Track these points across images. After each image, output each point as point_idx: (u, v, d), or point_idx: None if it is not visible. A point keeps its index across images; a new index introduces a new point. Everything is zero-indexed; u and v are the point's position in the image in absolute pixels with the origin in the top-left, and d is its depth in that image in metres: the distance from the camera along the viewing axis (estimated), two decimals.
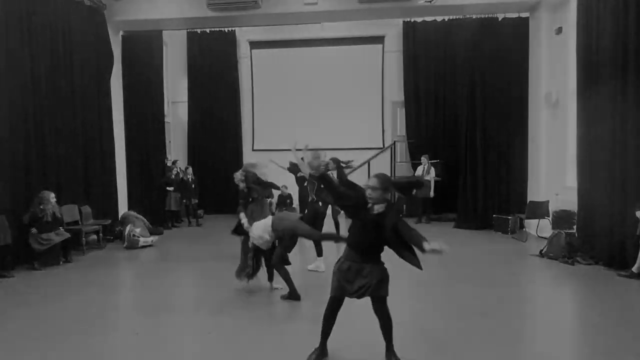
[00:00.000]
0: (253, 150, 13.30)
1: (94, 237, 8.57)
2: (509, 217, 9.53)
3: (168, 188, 11.03)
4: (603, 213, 6.79)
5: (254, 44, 13.37)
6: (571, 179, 8.26)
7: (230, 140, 13.18)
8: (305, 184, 7.44)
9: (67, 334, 4.28)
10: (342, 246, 3.61)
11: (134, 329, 4.50)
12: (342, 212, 7.36)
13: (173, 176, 11.15)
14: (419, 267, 3.21)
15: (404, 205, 12.38)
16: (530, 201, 9.25)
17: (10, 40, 6.97)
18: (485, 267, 6.88)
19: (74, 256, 7.54)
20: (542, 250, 7.40)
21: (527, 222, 9.52)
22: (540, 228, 8.92)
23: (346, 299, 3.46)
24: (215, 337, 4.21)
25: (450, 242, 9.23)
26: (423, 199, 11.05)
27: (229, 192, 12.26)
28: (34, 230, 6.89)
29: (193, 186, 11.41)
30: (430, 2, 9.07)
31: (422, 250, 3.00)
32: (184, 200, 11.18)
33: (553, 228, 7.89)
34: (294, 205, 11.61)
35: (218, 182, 12.76)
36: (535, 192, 9.53)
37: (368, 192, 3.26)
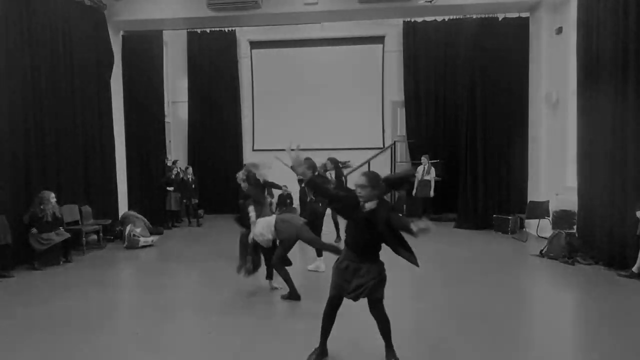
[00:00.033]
0: (253, 150, 13.31)
1: (94, 237, 8.57)
2: (509, 217, 9.53)
3: (168, 188, 11.03)
4: (603, 213, 6.79)
5: (254, 44, 13.37)
6: (571, 179, 8.26)
7: (230, 140, 13.19)
8: (304, 184, 7.43)
9: (68, 334, 4.28)
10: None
11: (134, 328, 4.51)
12: None
13: (173, 176, 11.16)
14: (416, 264, 3.23)
15: (404, 205, 12.38)
16: (530, 201, 9.25)
17: (11, 40, 6.97)
18: (485, 267, 6.88)
19: (74, 256, 7.54)
20: (542, 250, 7.40)
21: (527, 222, 9.52)
22: (540, 228, 8.92)
23: (345, 299, 3.46)
24: (215, 337, 4.21)
25: (451, 242, 9.25)
26: (423, 199, 11.05)
27: (229, 192, 12.30)
28: (34, 230, 6.90)
29: (193, 186, 11.41)
30: (430, 2, 9.06)
31: (413, 234, 3.01)
32: (184, 200, 11.19)
33: (553, 228, 7.89)
34: (294, 205, 11.60)
35: (218, 182, 12.78)
36: (536, 192, 9.53)
37: (357, 191, 3.28)
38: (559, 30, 8.93)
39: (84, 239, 7.93)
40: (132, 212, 9.44)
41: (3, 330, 4.41)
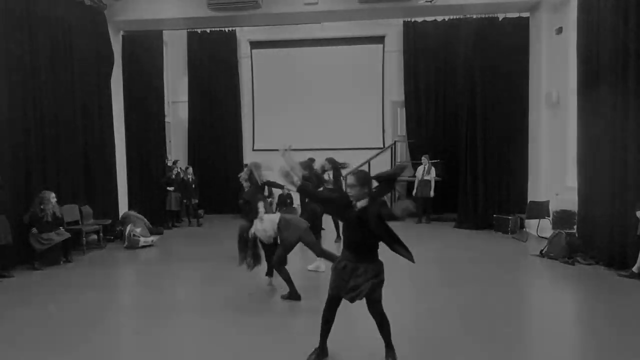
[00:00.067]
0: (253, 150, 13.31)
1: (95, 237, 8.56)
2: (510, 217, 9.52)
3: (168, 188, 11.03)
4: (603, 213, 6.79)
5: (255, 44, 13.37)
6: (571, 179, 8.26)
7: (230, 140, 13.19)
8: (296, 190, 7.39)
9: (68, 334, 4.29)
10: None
11: (134, 328, 4.51)
12: None
13: (173, 176, 11.16)
14: (412, 260, 3.28)
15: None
16: (530, 201, 9.25)
17: (11, 40, 6.97)
18: (485, 267, 6.88)
19: (75, 256, 7.54)
20: (542, 250, 7.40)
21: (527, 222, 9.52)
22: (540, 228, 8.91)
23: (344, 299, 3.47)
24: (215, 337, 4.21)
25: (451, 242, 9.25)
26: (423, 198, 11.05)
27: (229, 192, 12.31)
28: (34, 230, 6.90)
29: (193, 186, 11.41)
30: (430, 2, 9.06)
31: (398, 218, 3.11)
32: (184, 200, 11.19)
33: (553, 228, 7.89)
34: (294, 205, 11.61)
35: (218, 182, 12.78)
36: (536, 192, 9.52)
37: (348, 191, 3.36)
38: (559, 30, 8.92)
39: (84, 239, 7.92)
40: (132, 212, 9.44)
41: (3, 330, 4.41)
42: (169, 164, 11.67)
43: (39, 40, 7.55)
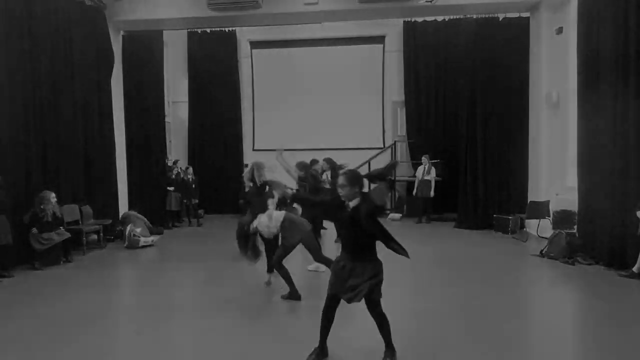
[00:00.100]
0: (254, 150, 13.31)
1: (95, 236, 8.57)
2: (510, 217, 9.52)
3: (168, 188, 11.04)
4: (603, 213, 6.79)
5: (255, 44, 13.37)
6: (572, 179, 8.25)
7: (230, 140, 13.20)
8: (296, 188, 7.40)
9: (68, 334, 4.29)
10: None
11: (134, 328, 4.51)
12: None
13: (174, 176, 11.17)
14: (407, 255, 3.30)
15: (404, 205, 12.40)
16: (530, 201, 9.25)
17: (11, 40, 6.97)
18: (485, 267, 6.88)
19: (75, 256, 7.54)
20: (542, 250, 7.40)
21: (527, 222, 9.52)
22: (540, 228, 8.91)
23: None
24: (215, 337, 4.21)
25: (451, 242, 9.24)
26: (424, 199, 11.06)
27: (229, 192, 12.32)
28: (34, 230, 6.90)
29: (194, 186, 11.41)
30: (430, 2, 9.06)
31: (380, 205, 3.22)
32: (184, 200, 11.19)
33: (553, 228, 7.88)
34: (294, 205, 11.59)
35: (218, 182, 12.78)
36: (536, 192, 9.52)
37: (339, 191, 3.40)
38: (559, 30, 8.92)
39: (84, 238, 7.92)
40: (132, 212, 9.44)
41: (3, 330, 4.42)
42: (169, 164, 11.67)
43: (39, 40, 7.55)
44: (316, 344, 3.58)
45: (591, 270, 6.55)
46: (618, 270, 6.28)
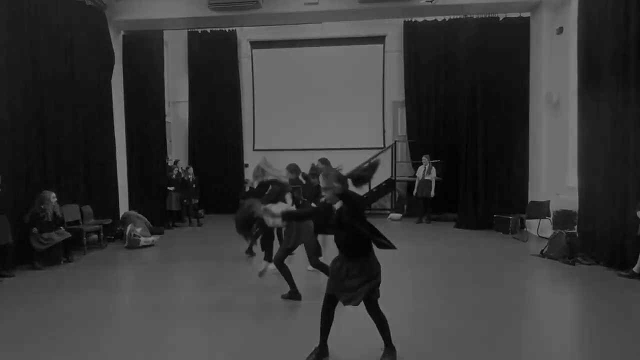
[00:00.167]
0: (254, 150, 13.30)
1: (95, 236, 8.57)
2: (510, 217, 9.52)
3: (169, 188, 11.05)
4: (604, 213, 6.79)
5: (255, 44, 13.37)
6: (572, 179, 8.25)
7: (231, 140, 13.20)
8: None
9: (68, 334, 4.29)
10: None
11: (134, 328, 4.51)
12: None
13: (174, 176, 11.17)
14: (394, 248, 3.33)
15: (405, 205, 12.39)
16: (531, 201, 9.25)
17: (11, 40, 6.97)
18: (485, 267, 6.88)
19: (75, 256, 7.54)
20: (542, 250, 7.39)
21: (527, 222, 9.52)
22: (541, 228, 8.91)
23: None
24: (215, 337, 4.21)
25: (451, 242, 9.21)
26: (424, 199, 11.06)
27: (229, 192, 12.31)
28: (34, 229, 6.90)
29: (194, 186, 11.41)
30: (431, 1, 9.05)
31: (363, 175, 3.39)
32: (185, 200, 11.20)
33: (554, 228, 7.88)
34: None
35: (219, 182, 12.78)
36: (536, 192, 9.52)
37: (322, 194, 3.45)
38: (560, 30, 8.92)
39: (84, 238, 7.93)
40: (132, 212, 9.44)
41: (4, 330, 4.42)
42: (170, 164, 11.68)
43: (40, 40, 7.55)
44: (316, 344, 3.58)
45: (591, 270, 6.55)
46: (618, 270, 6.27)
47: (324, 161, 8.18)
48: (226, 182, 12.77)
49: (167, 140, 12.38)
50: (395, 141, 12.66)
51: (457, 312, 4.79)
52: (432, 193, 10.94)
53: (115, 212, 9.57)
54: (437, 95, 12.24)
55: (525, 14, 10.03)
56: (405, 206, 12.39)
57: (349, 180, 3.38)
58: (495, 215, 9.93)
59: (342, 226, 3.34)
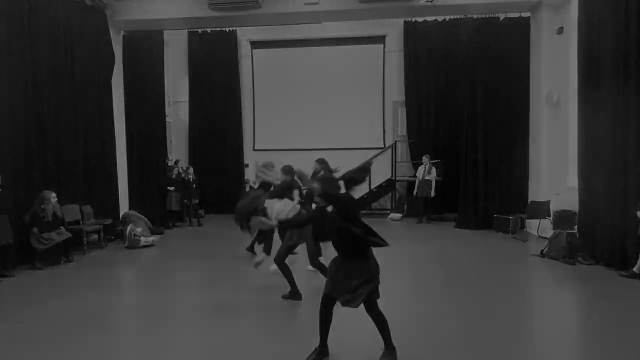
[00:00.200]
0: (254, 150, 13.31)
1: (95, 236, 8.57)
2: (510, 217, 9.52)
3: (169, 188, 11.05)
4: (604, 213, 6.78)
5: (255, 44, 13.37)
6: (572, 179, 8.26)
7: (231, 140, 13.20)
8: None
9: (68, 333, 4.29)
10: None
11: (135, 328, 4.51)
12: None
13: (174, 176, 11.17)
14: (386, 244, 3.35)
15: (405, 205, 12.39)
16: (531, 201, 9.25)
17: (12, 40, 6.97)
18: (485, 267, 6.88)
19: (75, 256, 7.54)
20: (543, 250, 7.39)
21: (528, 222, 9.52)
22: (541, 228, 8.91)
23: None
24: (215, 337, 4.21)
25: (451, 242, 9.20)
26: (424, 199, 11.06)
27: (229, 192, 12.31)
28: (35, 229, 6.90)
29: (194, 186, 11.42)
30: (431, 1, 9.05)
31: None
32: (185, 200, 11.20)
33: (554, 228, 7.88)
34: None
35: (219, 182, 12.78)
36: (536, 192, 9.52)
37: (315, 198, 3.48)
38: (560, 30, 8.92)
39: (84, 238, 7.92)
40: (133, 212, 9.44)
41: (4, 330, 4.42)
42: (170, 164, 11.68)
43: (40, 40, 7.55)
44: (316, 344, 3.58)
45: (591, 270, 6.55)
46: (618, 270, 6.27)
47: (321, 161, 8.14)
48: (226, 182, 12.77)
49: (168, 140, 12.38)
50: (395, 141, 12.66)
51: (457, 313, 4.79)
52: (432, 193, 10.94)
53: (115, 212, 9.56)
54: (437, 95, 12.24)
55: (525, 14, 10.03)
56: (405, 206, 12.39)
57: (341, 182, 3.39)
58: (495, 215, 9.92)
59: (334, 228, 3.34)
